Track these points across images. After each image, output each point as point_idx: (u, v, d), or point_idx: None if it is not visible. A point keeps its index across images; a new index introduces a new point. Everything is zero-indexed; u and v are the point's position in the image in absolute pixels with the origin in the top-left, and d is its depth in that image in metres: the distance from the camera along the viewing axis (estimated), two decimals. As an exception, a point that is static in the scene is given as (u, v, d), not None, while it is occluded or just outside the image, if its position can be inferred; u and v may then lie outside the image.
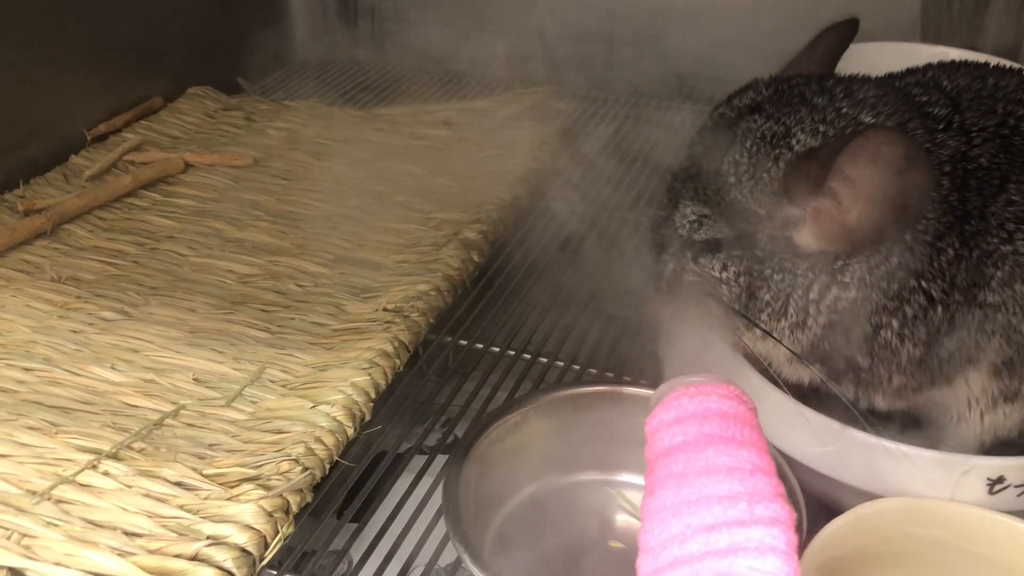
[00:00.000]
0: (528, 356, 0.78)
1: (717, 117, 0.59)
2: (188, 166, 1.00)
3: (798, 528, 0.52)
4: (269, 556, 0.57)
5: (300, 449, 0.62)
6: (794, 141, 0.55)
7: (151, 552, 0.55)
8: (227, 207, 0.93)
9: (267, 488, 0.59)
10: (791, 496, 0.55)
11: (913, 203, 0.51)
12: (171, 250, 0.86)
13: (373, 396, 0.68)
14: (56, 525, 0.57)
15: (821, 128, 0.55)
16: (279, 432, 0.64)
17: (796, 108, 0.56)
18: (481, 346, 0.79)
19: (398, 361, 0.72)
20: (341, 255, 0.86)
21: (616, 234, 0.93)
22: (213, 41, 1.21)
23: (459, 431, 0.73)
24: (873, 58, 0.76)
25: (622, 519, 0.64)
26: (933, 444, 0.62)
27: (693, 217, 0.58)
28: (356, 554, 0.62)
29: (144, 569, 0.54)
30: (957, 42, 1.05)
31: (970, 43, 1.07)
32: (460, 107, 1.13)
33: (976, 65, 0.63)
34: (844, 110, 0.55)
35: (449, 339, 0.80)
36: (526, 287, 0.86)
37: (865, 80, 0.59)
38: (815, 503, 0.58)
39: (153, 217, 0.91)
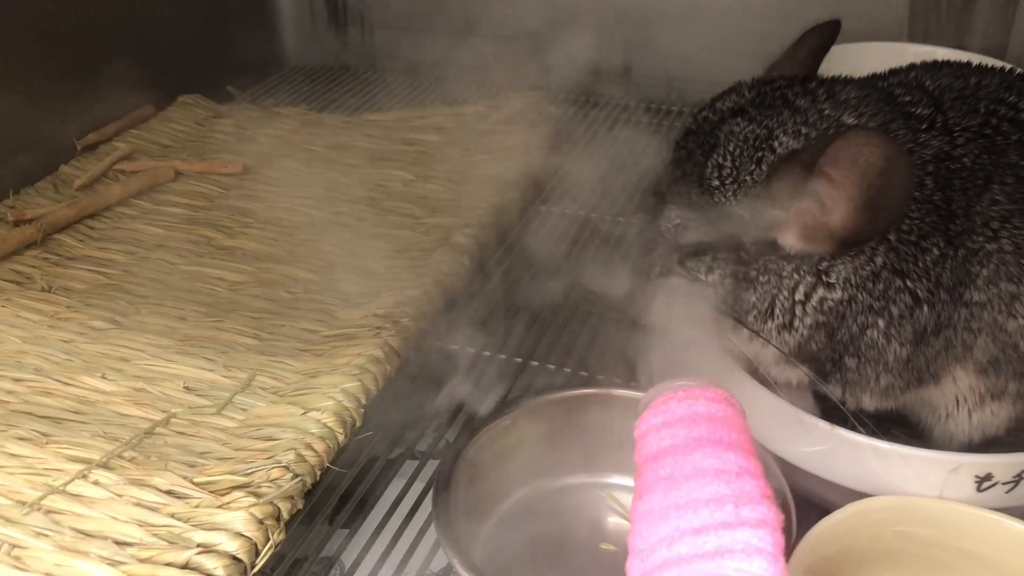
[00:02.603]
0: (519, 360, 0.78)
1: (700, 120, 0.59)
2: (178, 174, 1.00)
3: (787, 529, 0.52)
4: (260, 563, 0.57)
5: (291, 456, 0.62)
6: (776, 143, 0.55)
7: (142, 561, 0.55)
8: (217, 215, 0.93)
9: (258, 495, 0.59)
10: (779, 497, 0.56)
11: (895, 203, 0.52)
12: (161, 259, 0.86)
13: (364, 402, 0.68)
14: (46, 535, 0.57)
15: (803, 130, 0.55)
16: (270, 439, 0.64)
17: (778, 110, 0.56)
18: (472, 351, 0.79)
19: (389, 367, 0.72)
20: (331, 261, 0.86)
21: (606, 238, 0.93)
22: (203, 49, 1.21)
23: (450, 436, 0.73)
24: (861, 58, 0.77)
25: (613, 521, 0.65)
26: (922, 443, 0.62)
27: (678, 221, 0.58)
28: (348, 560, 0.62)
29: (134, 578, 0.54)
30: (945, 41, 1.06)
31: (958, 42, 1.08)
32: (450, 112, 1.14)
33: (958, 64, 0.63)
34: (826, 112, 0.56)
35: (440, 344, 0.80)
36: (517, 291, 0.86)
37: (847, 81, 0.59)
38: (805, 503, 0.58)
39: (143, 226, 0.91)
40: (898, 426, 0.65)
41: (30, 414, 0.67)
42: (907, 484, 0.57)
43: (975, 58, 0.77)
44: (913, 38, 1.11)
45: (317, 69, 1.34)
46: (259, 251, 0.87)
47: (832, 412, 0.61)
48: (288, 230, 0.91)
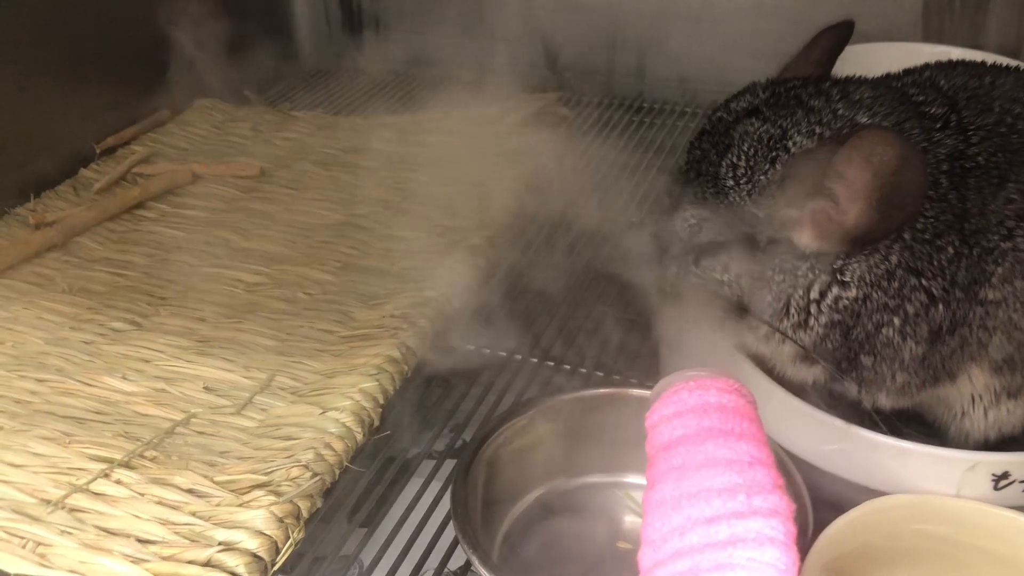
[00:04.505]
0: (535, 360, 0.79)
1: (715, 121, 0.60)
2: (196, 177, 1.01)
3: (803, 526, 0.53)
4: (280, 561, 0.58)
5: (310, 455, 0.62)
6: (791, 143, 0.55)
7: (164, 559, 0.56)
8: (235, 217, 0.94)
9: (278, 494, 0.59)
10: (795, 492, 0.56)
11: (909, 202, 0.52)
12: (180, 260, 0.87)
13: (382, 402, 0.69)
14: (70, 533, 0.57)
15: (817, 130, 0.55)
16: (289, 438, 0.65)
17: (792, 110, 0.56)
18: (488, 351, 0.80)
19: (406, 367, 0.72)
20: (348, 263, 0.86)
21: (621, 238, 0.93)
22: (219, 54, 1.22)
23: (467, 436, 0.73)
24: (875, 58, 0.77)
25: (630, 520, 0.65)
26: (938, 441, 0.63)
27: (693, 220, 0.58)
28: (366, 558, 0.63)
29: (157, 575, 0.55)
30: (959, 41, 1.06)
31: (972, 42, 1.08)
32: (465, 114, 1.14)
33: (973, 64, 0.63)
34: (840, 111, 0.56)
35: (456, 344, 0.80)
36: (532, 292, 0.86)
37: (861, 81, 0.60)
38: (822, 501, 0.58)
39: (162, 228, 0.92)
40: (914, 424, 0.65)
41: (53, 414, 0.67)
42: (924, 482, 0.57)
43: (989, 58, 0.78)
44: (927, 38, 1.11)
45: (332, 72, 1.34)
46: (277, 253, 0.88)
47: (848, 412, 0.61)
48: (305, 232, 0.91)
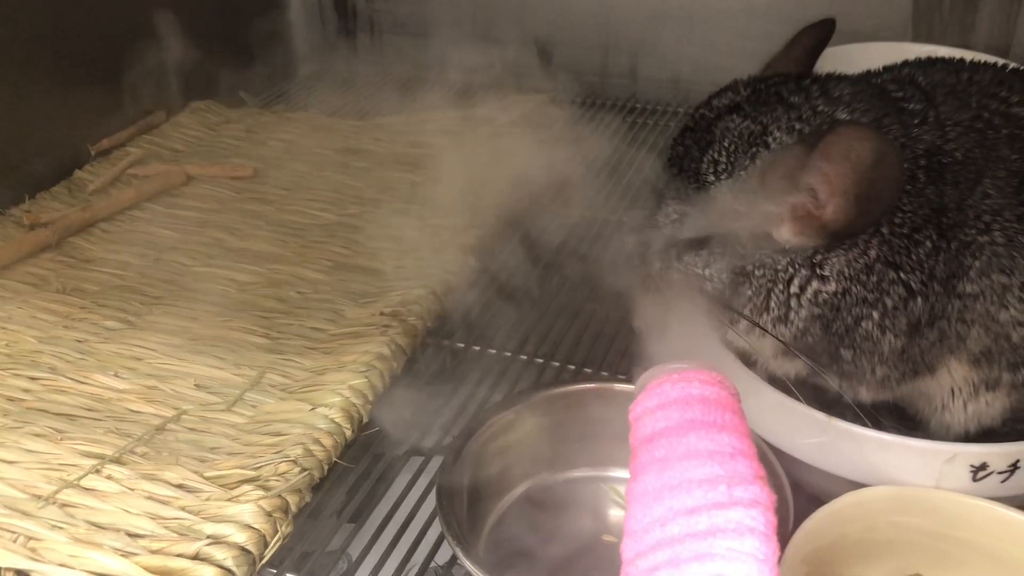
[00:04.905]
0: (524, 357, 0.79)
1: (697, 118, 0.60)
2: (190, 178, 1.02)
3: (784, 519, 0.53)
4: (268, 555, 0.58)
5: (298, 451, 0.63)
6: (771, 139, 0.56)
7: (153, 552, 0.57)
8: (229, 217, 0.95)
9: (266, 489, 0.60)
10: (776, 484, 0.56)
11: (886, 196, 0.53)
12: (174, 260, 0.87)
13: (371, 398, 0.70)
14: (61, 528, 0.58)
15: (797, 126, 0.56)
16: (278, 435, 0.66)
17: (773, 107, 0.57)
18: (478, 348, 0.80)
19: (395, 364, 0.73)
20: (340, 262, 0.87)
21: (611, 237, 0.94)
22: (214, 56, 1.22)
23: (454, 432, 0.74)
24: (866, 58, 0.77)
25: (614, 513, 0.65)
26: (919, 434, 0.63)
27: (675, 216, 0.59)
28: (354, 553, 0.63)
29: (146, 569, 0.56)
30: (949, 41, 1.07)
31: (961, 42, 1.09)
32: (457, 115, 1.15)
33: (951, 60, 0.64)
34: (820, 108, 0.57)
35: (446, 342, 0.81)
36: (523, 290, 0.87)
37: (841, 78, 0.60)
38: (803, 493, 0.59)
39: (156, 229, 0.93)
40: (896, 417, 0.66)
41: (45, 411, 0.68)
42: (903, 474, 0.57)
43: (977, 57, 0.78)
44: (917, 38, 1.12)
45: (327, 74, 1.35)
46: (269, 252, 0.89)
47: (831, 406, 0.62)
48: (298, 232, 0.92)
